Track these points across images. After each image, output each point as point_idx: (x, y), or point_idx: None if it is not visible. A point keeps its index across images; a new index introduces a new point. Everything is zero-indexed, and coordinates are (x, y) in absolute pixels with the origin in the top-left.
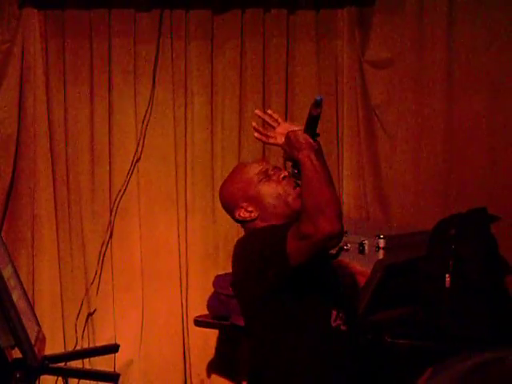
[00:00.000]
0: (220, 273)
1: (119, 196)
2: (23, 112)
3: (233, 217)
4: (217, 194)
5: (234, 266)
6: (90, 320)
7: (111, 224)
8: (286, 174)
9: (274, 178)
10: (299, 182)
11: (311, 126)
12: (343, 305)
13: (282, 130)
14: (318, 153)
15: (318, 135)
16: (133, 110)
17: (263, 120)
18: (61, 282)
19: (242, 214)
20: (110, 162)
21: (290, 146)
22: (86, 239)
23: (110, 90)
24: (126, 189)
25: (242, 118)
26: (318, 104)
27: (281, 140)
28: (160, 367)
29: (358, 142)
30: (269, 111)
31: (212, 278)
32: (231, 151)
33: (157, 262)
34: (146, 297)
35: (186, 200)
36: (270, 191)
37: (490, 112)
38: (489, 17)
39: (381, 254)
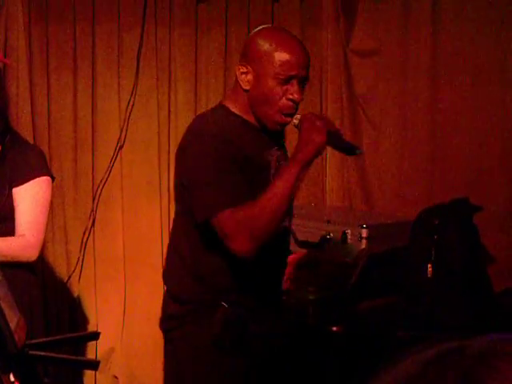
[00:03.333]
0: None
1: (102, 183)
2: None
3: (238, 65)
4: None
5: (185, 148)
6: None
7: (94, 211)
8: (298, 98)
9: (289, 88)
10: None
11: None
12: None
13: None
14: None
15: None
16: (116, 96)
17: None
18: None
19: (240, 71)
20: (92, 149)
21: (299, 132)
22: (68, 227)
23: (93, 77)
24: (108, 176)
25: None
26: (353, 153)
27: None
28: (142, 354)
29: (343, 131)
30: None
31: None
32: None
33: (139, 249)
34: (129, 284)
35: (168, 187)
36: (272, 91)
37: (474, 101)
38: (474, 5)
39: (363, 244)
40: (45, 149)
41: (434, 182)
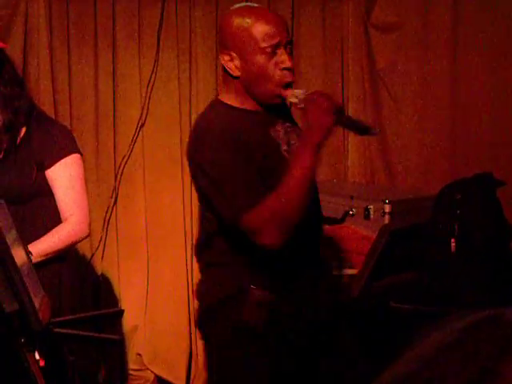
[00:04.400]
0: None
1: (124, 161)
2: (27, 75)
3: (220, 55)
4: None
5: (194, 154)
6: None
7: (116, 190)
8: (290, 65)
9: (278, 58)
10: (298, 104)
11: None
12: None
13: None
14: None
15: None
16: (137, 74)
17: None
18: None
19: (225, 60)
20: (114, 126)
21: (305, 114)
22: (90, 204)
23: (114, 54)
24: (130, 154)
25: None
26: (370, 133)
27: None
28: (165, 333)
29: (364, 106)
30: None
31: None
32: None
33: (162, 227)
34: (151, 262)
35: None
36: (264, 67)
37: (494, 74)
38: None
39: (386, 219)
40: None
41: (456, 156)
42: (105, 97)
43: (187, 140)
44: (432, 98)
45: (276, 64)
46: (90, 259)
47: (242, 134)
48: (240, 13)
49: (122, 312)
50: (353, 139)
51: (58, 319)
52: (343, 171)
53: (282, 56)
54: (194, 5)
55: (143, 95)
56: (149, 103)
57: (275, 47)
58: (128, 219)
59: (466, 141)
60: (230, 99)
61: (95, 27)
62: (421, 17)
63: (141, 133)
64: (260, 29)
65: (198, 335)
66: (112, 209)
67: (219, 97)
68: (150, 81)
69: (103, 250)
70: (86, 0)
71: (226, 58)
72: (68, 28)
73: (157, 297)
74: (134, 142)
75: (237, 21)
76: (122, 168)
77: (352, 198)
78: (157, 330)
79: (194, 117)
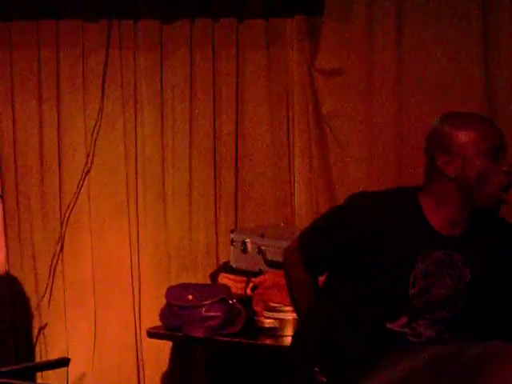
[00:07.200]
0: (172, 283)
1: (70, 208)
2: None
3: (430, 156)
4: (169, 205)
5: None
6: (41, 334)
7: (62, 236)
8: (507, 169)
9: (500, 162)
10: None
11: None
12: (430, 317)
13: None
14: None
15: None
16: (82, 121)
17: None
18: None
19: (441, 162)
20: (59, 174)
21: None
22: (36, 252)
23: (58, 102)
24: (76, 201)
25: (193, 127)
26: None
27: None
28: (114, 380)
29: (310, 152)
30: None
31: (164, 289)
32: (182, 161)
33: (109, 274)
34: (99, 309)
35: (137, 211)
36: (483, 169)
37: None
38: (438, 23)
39: None
40: (11, 175)
41: None
42: (50, 144)
43: (133, 187)
44: (378, 142)
45: (497, 167)
46: (37, 307)
47: (389, 230)
48: (463, 120)
49: (67, 360)
50: (299, 183)
51: (2, 369)
52: (290, 216)
53: (502, 158)
54: (138, 51)
55: (88, 142)
56: (94, 150)
57: (497, 149)
58: (74, 266)
59: (414, 184)
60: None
61: (39, 74)
62: (365, 61)
63: (86, 180)
64: (488, 136)
65: (147, 382)
66: (58, 256)
67: (419, 195)
68: (94, 128)
69: (49, 298)
70: (30, 47)
71: (442, 158)
72: (12, 76)
73: (104, 344)
74: (79, 188)
75: (466, 123)
76: (67, 215)
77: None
78: (104, 377)
79: (139, 163)
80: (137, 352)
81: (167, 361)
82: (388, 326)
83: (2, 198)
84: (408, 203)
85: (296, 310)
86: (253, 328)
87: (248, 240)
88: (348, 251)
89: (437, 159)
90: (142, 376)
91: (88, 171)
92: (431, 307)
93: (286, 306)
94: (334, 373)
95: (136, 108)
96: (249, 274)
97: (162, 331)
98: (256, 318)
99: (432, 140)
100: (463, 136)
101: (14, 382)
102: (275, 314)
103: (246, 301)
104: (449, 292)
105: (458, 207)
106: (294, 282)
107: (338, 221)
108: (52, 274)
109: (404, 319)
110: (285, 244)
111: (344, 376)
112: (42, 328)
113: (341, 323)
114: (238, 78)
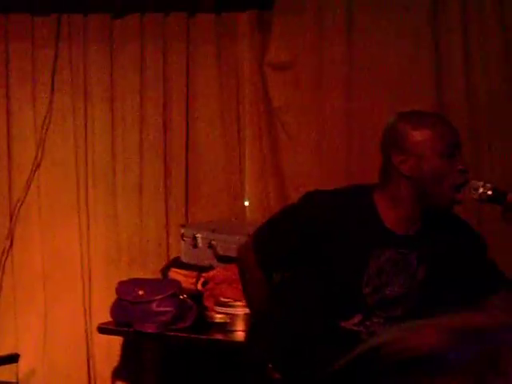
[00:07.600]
0: (123, 279)
1: (19, 203)
2: None
3: (385, 154)
4: (119, 200)
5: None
6: None
7: (11, 232)
8: (463, 168)
9: (455, 161)
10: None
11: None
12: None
13: None
14: None
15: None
16: (32, 115)
17: None
18: None
19: (396, 161)
20: (9, 169)
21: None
22: None
23: (7, 96)
24: (26, 195)
25: (143, 121)
26: None
27: None
28: (64, 375)
29: (260, 145)
30: None
31: (115, 284)
32: (132, 155)
33: (59, 269)
34: (49, 305)
35: (87, 206)
36: (439, 168)
37: (389, 111)
38: (388, 18)
39: None
40: None
41: None
42: None
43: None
44: (328, 135)
45: (452, 167)
46: None
47: (345, 224)
48: (415, 118)
49: (16, 357)
50: (249, 178)
51: None
52: (241, 210)
53: (459, 156)
54: (88, 45)
55: (38, 136)
56: (44, 144)
57: (453, 147)
58: (24, 262)
59: (363, 177)
60: (381, 201)
61: None
62: (315, 54)
63: (36, 174)
64: (444, 134)
65: (98, 377)
66: (8, 251)
67: (373, 191)
68: (44, 121)
69: None
70: None
71: (396, 156)
72: None
73: (55, 339)
74: (29, 183)
75: (418, 122)
76: (17, 210)
77: (250, 236)
78: (55, 373)
79: (89, 157)
80: (87, 348)
81: (118, 357)
82: (342, 324)
83: None
84: (362, 202)
85: (249, 307)
86: (204, 323)
87: (199, 235)
88: (303, 250)
89: (392, 158)
90: (92, 372)
91: (38, 165)
92: (385, 305)
93: (237, 300)
94: (287, 370)
95: (86, 102)
96: (199, 269)
97: (112, 327)
98: (207, 312)
99: (387, 138)
100: (419, 135)
101: None
102: (226, 309)
103: (196, 296)
104: (402, 290)
105: (413, 206)
106: (249, 279)
107: (292, 220)
108: (1, 269)
109: (358, 317)
110: (236, 239)
111: (297, 374)
112: None
113: (295, 321)
114: (188, 72)
